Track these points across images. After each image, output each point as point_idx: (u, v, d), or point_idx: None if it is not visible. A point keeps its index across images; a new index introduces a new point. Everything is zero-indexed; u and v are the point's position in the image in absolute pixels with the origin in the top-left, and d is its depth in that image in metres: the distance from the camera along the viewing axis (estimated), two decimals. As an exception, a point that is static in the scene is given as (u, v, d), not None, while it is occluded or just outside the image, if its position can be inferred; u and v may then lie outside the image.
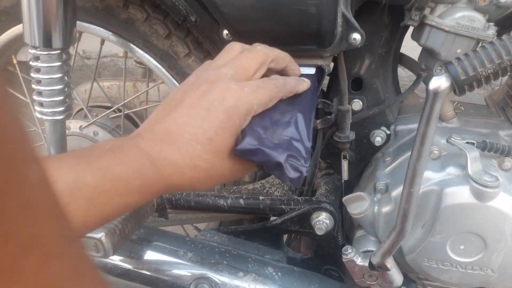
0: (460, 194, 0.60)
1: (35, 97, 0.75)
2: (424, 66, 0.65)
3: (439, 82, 0.48)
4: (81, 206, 0.39)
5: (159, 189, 0.45)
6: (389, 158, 0.73)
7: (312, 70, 0.62)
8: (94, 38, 0.89)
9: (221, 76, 0.49)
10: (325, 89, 0.78)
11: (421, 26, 0.62)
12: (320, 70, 0.63)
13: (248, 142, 0.46)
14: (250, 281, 0.74)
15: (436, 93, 0.48)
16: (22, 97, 1.01)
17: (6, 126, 0.16)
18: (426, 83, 0.66)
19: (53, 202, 0.19)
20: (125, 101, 0.97)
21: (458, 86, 0.47)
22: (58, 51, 0.72)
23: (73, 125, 0.96)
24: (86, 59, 2.07)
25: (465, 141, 0.61)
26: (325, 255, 0.81)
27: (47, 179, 0.18)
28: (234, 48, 0.53)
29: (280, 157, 0.46)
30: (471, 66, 0.46)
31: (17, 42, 0.95)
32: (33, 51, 0.72)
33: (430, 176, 0.63)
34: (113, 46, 0.90)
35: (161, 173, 0.44)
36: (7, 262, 0.16)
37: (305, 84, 0.57)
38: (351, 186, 0.80)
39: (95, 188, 0.39)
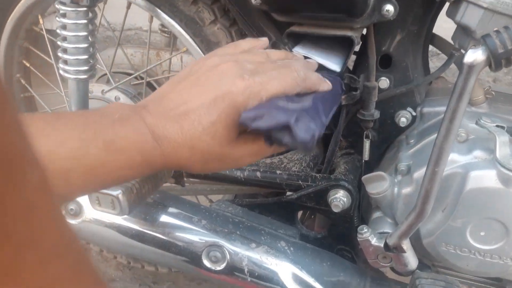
0: (486, 178, 0.58)
1: (60, 54, 0.75)
2: (458, 45, 0.63)
3: (475, 55, 0.46)
4: (82, 174, 0.40)
5: (158, 166, 0.45)
6: (413, 140, 0.71)
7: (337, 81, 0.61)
8: (119, 11, 0.89)
9: (238, 63, 0.48)
10: (352, 65, 0.76)
11: (457, 1, 0.60)
12: (342, 79, 0.63)
13: (255, 108, 0.44)
14: (262, 253, 0.74)
15: (471, 66, 0.46)
16: (47, 58, 1.01)
17: (7, 127, 0.16)
18: (458, 64, 0.64)
19: (52, 203, 0.19)
20: (147, 68, 0.97)
21: (495, 60, 0.45)
22: (85, 9, 0.71)
23: (96, 88, 0.96)
24: (111, 30, 2.07)
25: (495, 124, 0.59)
26: (339, 235, 0.80)
27: (46, 180, 0.18)
28: (272, 53, 0.53)
29: (290, 118, 0.43)
30: (510, 39, 0.44)
31: (44, 2, 0.95)
32: (60, 6, 0.71)
33: (455, 159, 0.61)
34: (138, 19, 0.89)
35: (162, 150, 0.44)
36: (5, 263, 0.16)
37: (326, 85, 0.55)
38: (371, 167, 0.78)
39: (97, 159, 0.41)
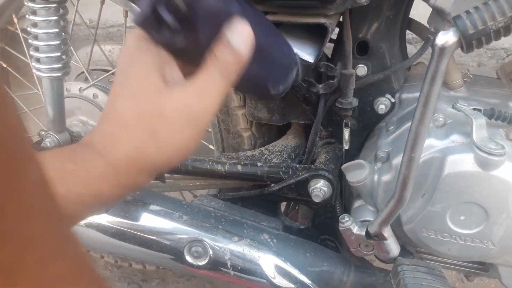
0: (464, 162, 0.57)
1: (32, 53, 0.73)
2: (433, 29, 0.62)
3: (446, 37, 0.45)
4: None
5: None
6: (392, 127, 0.70)
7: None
8: (98, 7, 0.88)
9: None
10: (329, 54, 0.75)
11: (431, -16, 0.59)
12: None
13: None
14: (244, 246, 0.73)
15: (442, 49, 0.45)
16: (23, 58, 0.99)
17: (6, 127, 0.16)
18: (435, 48, 0.63)
19: (51, 202, 0.19)
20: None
21: (466, 41, 0.44)
22: (55, 5, 0.70)
23: (73, 87, 0.95)
24: (93, 28, 2.05)
25: (471, 107, 0.58)
26: (322, 225, 0.79)
27: (45, 179, 0.18)
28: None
29: None
30: (480, 19, 0.43)
31: (17, 0, 0.93)
32: (30, 4, 0.70)
33: (433, 144, 0.61)
34: (120, 16, 0.88)
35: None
36: (4, 262, 0.16)
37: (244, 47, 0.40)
38: (352, 156, 0.78)
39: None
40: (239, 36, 0.39)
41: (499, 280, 0.70)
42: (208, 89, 0.39)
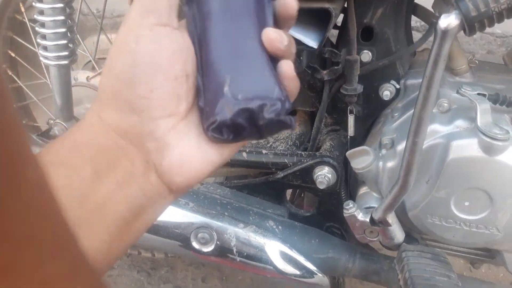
0: (468, 147, 0.57)
1: (39, 41, 0.74)
2: (438, 14, 0.62)
3: (449, 19, 0.45)
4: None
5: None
6: (397, 114, 0.70)
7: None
8: None
9: None
10: (335, 41, 0.75)
11: (436, -31, 0.59)
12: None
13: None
14: (250, 232, 0.74)
15: (445, 31, 0.45)
16: (31, 47, 1.00)
17: (5, 127, 0.16)
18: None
19: (51, 202, 0.19)
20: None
21: (469, 24, 0.44)
22: (61, -8, 0.70)
23: (81, 75, 0.96)
24: (100, 18, 2.06)
25: (476, 92, 0.58)
26: (327, 212, 0.80)
27: (45, 179, 0.18)
28: None
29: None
30: (482, 2, 0.43)
31: (25, -11, 0.94)
32: (36, -9, 0.71)
33: (437, 129, 0.60)
34: (126, 5, 0.88)
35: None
36: (3, 262, 0.16)
37: None
38: (358, 143, 0.77)
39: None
40: None
41: (505, 267, 0.70)
42: None
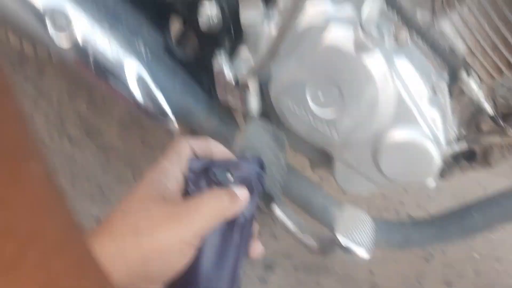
0: (342, 37, 0.54)
1: None
2: None
3: None
4: None
5: None
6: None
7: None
8: None
9: None
10: None
11: None
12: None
13: None
14: (113, 40, 0.68)
15: None
16: None
17: (9, 121, 0.16)
18: None
19: (55, 196, 0.19)
20: None
21: None
22: None
23: None
24: None
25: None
26: (203, 62, 0.75)
27: (49, 174, 0.18)
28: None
29: None
30: None
31: None
32: None
33: (323, 9, 0.57)
34: None
35: None
36: (8, 258, 0.16)
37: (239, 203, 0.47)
38: None
39: None
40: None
41: (333, 177, 0.73)
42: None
